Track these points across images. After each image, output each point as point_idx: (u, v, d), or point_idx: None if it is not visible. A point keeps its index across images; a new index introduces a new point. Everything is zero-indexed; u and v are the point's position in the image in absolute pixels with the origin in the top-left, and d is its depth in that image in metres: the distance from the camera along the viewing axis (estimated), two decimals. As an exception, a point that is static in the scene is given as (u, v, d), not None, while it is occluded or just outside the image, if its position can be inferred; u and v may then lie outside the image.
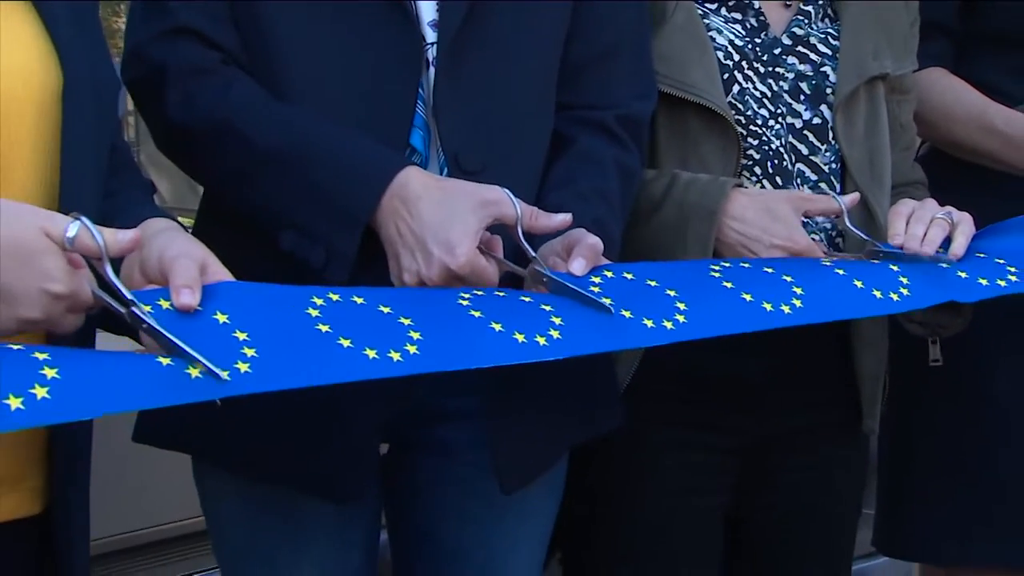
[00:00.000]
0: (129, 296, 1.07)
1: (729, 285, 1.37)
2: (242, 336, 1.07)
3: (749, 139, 1.59)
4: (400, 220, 1.33)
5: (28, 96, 1.20)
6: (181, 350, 1.02)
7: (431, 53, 1.40)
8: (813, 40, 1.65)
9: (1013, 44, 1.89)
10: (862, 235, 1.55)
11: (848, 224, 1.55)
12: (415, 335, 1.14)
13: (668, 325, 1.26)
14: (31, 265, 1.06)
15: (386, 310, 1.17)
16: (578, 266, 1.29)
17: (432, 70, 1.40)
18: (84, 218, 1.08)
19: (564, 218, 1.33)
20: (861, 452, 1.74)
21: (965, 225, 1.51)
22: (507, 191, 1.32)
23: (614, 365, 1.51)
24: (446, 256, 1.28)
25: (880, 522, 1.97)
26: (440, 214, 1.31)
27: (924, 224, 1.51)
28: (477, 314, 1.21)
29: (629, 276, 1.32)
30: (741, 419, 1.60)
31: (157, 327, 1.05)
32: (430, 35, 1.40)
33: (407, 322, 1.15)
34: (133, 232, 1.11)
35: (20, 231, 1.07)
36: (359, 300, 1.18)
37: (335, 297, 1.17)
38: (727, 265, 1.46)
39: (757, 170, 1.60)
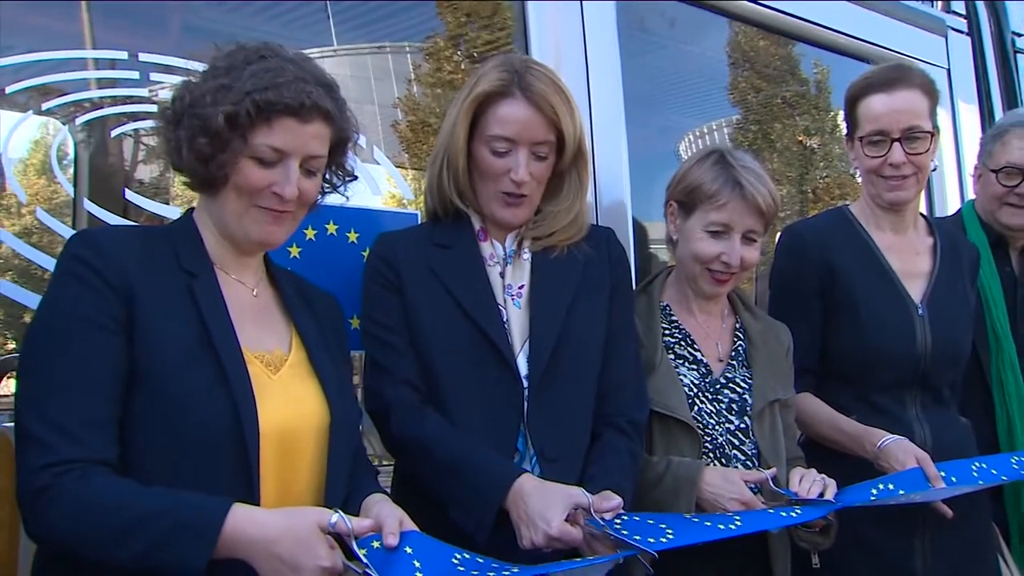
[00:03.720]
0: (365, 561, 1.32)
1: (696, 520, 1.82)
2: (417, 564, 1.40)
3: (705, 437, 2.04)
4: (518, 508, 1.69)
5: (312, 430, 1.52)
6: None
7: (525, 393, 1.84)
8: (738, 379, 2.12)
9: (847, 381, 2.36)
10: (782, 492, 1.95)
11: (772, 487, 1.96)
12: (515, 570, 1.48)
13: (663, 539, 1.64)
14: (310, 549, 1.29)
15: (495, 564, 1.50)
16: (607, 516, 1.66)
17: (526, 403, 1.83)
18: (340, 512, 1.33)
19: (618, 502, 1.68)
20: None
21: (832, 485, 1.96)
22: (583, 489, 1.68)
23: None
24: (546, 527, 1.64)
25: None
26: (541, 503, 1.67)
27: (809, 483, 1.95)
28: (551, 560, 1.62)
29: (637, 518, 1.72)
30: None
31: None
32: (524, 383, 1.85)
33: (514, 570, 1.49)
34: (370, 521, 1.41)
35: (305, 527, 1.31)
36: (480, 559, 1.49)
37: (466, 555, 1.49)
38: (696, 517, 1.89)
39: (710, 455, 2.04)
